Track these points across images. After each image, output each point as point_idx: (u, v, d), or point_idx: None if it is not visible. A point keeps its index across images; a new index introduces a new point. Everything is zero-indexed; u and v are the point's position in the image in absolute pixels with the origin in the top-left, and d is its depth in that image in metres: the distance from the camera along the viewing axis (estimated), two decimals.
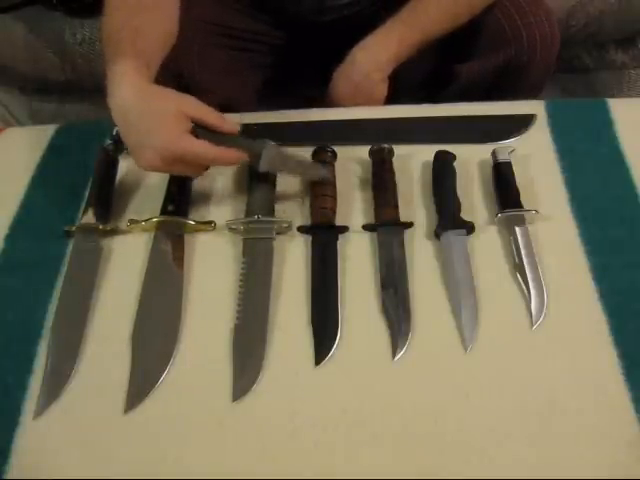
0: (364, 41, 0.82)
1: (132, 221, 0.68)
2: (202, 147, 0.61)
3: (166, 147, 0.60)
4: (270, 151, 0.64)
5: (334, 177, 0.71)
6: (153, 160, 0.60)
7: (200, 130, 0.62)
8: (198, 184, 0.73)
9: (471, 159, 0.74)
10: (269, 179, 0.70)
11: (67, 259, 0.67)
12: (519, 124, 0.78)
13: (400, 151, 0.73)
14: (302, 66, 0.99)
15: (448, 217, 0.66)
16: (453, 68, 0.89)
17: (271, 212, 0.68)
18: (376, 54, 0.81)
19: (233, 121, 0.65)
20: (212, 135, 0.62)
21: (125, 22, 0.66)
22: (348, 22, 0.90)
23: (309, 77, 0.99)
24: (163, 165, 0.61)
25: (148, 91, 0.62)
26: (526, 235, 0.65)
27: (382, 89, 0.84)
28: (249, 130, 0.68)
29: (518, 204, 0.67)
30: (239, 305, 0.61)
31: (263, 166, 0.64)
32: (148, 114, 0.60)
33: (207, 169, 0.67)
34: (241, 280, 0.63)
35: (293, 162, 0.68)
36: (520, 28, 0.83)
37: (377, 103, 0.84)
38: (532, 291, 0.60)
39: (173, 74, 0.81)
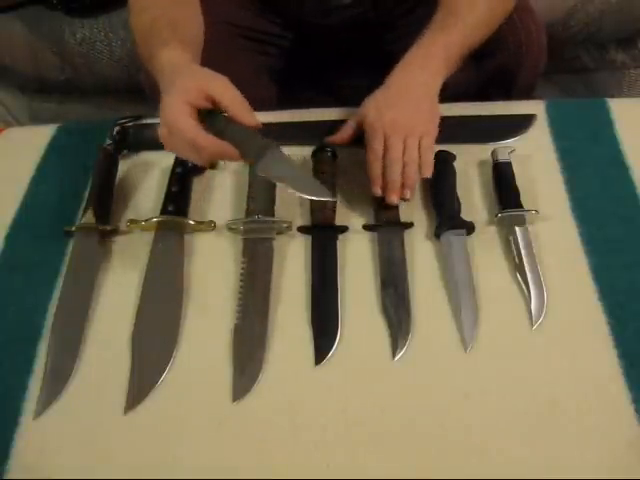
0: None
1: (132, 221, 0.68)
2: (184, 122, 0.56)
3: (163, 111, 0.57)
4: (274, 154, 0.57)
5: (334, 178, 0.71)
6: (161, 127, 0.58)
7: (211, 116, 0.58)
8: (198, 184, 0.73)
9: (471, 159, 0.74)
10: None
11: (67, 259, 0.67)
12: (519, 124, 0.78)
13: None
14: (309, 69, 0.99)
15: (448, 217, 0.66)
16: None
17: (271, 212, 0.68)
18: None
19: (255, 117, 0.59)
20: (223, 122, 0.57)
21: (161, 15, 0.66)
22: (352, 24, 0.90)
23: (315, 80, 0.99)
24: (165, 132, 0.58)
25: (190, 65, 0.61)
26: (526, 235, 0.65)
27: None
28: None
29: (518, 204, 0.67)
30: (239, 305, 0.61)
31: (259, 171, 0.57)
32: (176, 79, 0.59)
33: (213, 165, 0.61)
34: (241, 280, 0.63)
35: (296, 174, 0.59)
36: (507, 37, 0.82)
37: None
38: (532, 291, 0.60)
39: None
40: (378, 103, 0.68)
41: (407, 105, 0.68)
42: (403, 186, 0.65)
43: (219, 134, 0.57)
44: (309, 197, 0.58)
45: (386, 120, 0.66)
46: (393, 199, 0.65)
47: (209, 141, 0.57)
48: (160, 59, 0.62)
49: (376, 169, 0.65)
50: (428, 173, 0.66)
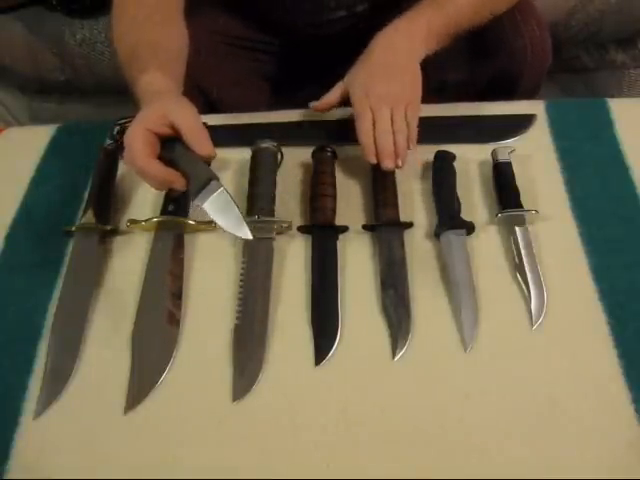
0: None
1: (132, 221, 0.68)
2: (136, 149, 0.58)
3: (125, 136, 0.59)
4: (213, 187, 0.59)
5: (334, 178, 0.71)
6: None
7: (170, 144, 0.60)
8: None
9: (471, 159, 0.74)
10: (269, 179, 0.70)
11: (67, 259, 0.67)
12: (519, 124, 0.78)
13: None
14: (304, 76, 0.99)
15: (448, 217, 0.66)
16: (440, 79, 0.87)
17: (271, 212, 0.68)
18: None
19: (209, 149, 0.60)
20: (179, 150, 0.59)
21: (141, 38, 0.66)
22: (346, 34, 0.90)
23: (310, 86, 0.98)
24: (126, 155, 0.60)
25: (164, 93, 0.63)
26: (526, 235, 0.65)
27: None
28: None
29: (518, 204, 0.67)
30: (239, 305, 0.61)
31: (197, 201, 0.59)
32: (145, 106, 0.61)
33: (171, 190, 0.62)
34: (241, 280, 0.63)
35: (228, 209, 0.59)
36: (511, 39, 0.82)
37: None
38: (532, 291, 0.60)
39: (192, 85, 0.80)
40: (363, 79, 0.70)
41: (390, 77, 0.69)
42: (396, 155, 0.66)
43: (172, 162, 0.59)
44: (230, 232, 0.59)
45: (371, 95, 0.68)
46: (388, 164, 0.66)
47: (156, 170, 0.59)
48: (140, 86, 0.63)
49: (368, 139, 0.66)
50: (414, 145, 0.67)
